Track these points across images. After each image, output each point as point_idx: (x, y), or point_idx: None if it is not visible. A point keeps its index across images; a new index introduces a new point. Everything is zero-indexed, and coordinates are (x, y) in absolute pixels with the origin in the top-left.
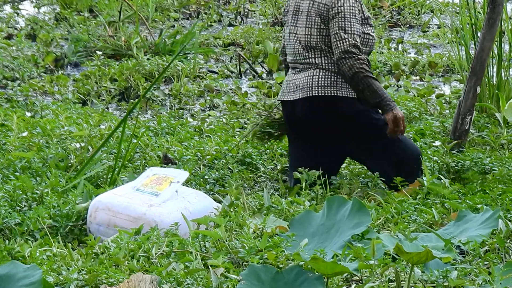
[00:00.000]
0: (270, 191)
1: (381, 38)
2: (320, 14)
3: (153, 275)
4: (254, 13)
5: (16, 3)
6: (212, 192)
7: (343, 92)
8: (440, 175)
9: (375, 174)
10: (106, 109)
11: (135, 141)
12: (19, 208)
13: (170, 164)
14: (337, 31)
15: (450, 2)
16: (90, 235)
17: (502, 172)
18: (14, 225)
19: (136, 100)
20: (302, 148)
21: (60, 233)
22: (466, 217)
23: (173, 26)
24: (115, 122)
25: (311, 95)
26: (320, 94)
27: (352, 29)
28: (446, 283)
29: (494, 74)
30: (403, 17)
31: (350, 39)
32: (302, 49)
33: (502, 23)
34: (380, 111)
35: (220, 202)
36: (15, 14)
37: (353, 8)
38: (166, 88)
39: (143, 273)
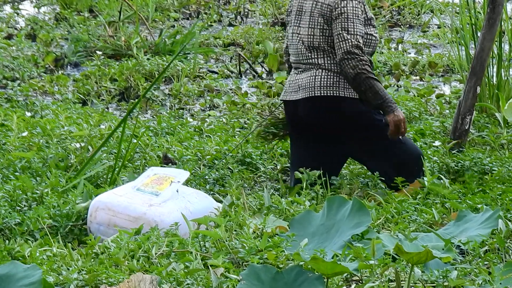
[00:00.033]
0: (271, 191)
1: (381, 38)
2: (323, 15)
3: (153, 275)
4: (254, 13)
5: (16, 3)
6: (212, 192)
7: (346, 93)
8: (440, 175)
9: (375, 174)
10: (106, 109)
11: (135, 141)
12: (19, 208)
13: (170, 164)
14: (340, 32)
15: (450, 2)
16: (90, 235)
17: (501, 172)
18: (14, 225)
19: (136, 100)
20: (304, 148)
21: (60, 233)
22: (466, 217)
23: (173, 26)
24: (115, 122)
25: (313, 95)
26: (322, 94)
27: (355, 30)
28: (446, 283)
29: (494, 74)
30: (403, 17)
31: (352, 40)
32: (305, 49)
33: (502, 23)
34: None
35: (220, 202)
36: (15, 14)
37: (356, 9)
38: (166, 88)
39: (143, 273)
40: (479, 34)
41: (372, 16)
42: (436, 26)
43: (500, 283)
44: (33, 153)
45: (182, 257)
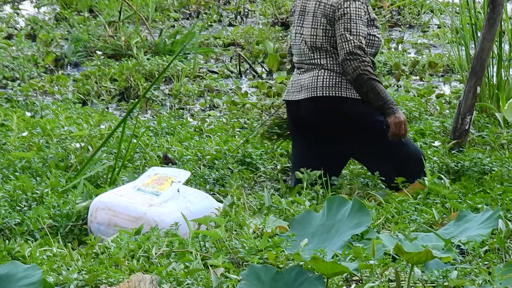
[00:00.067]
0: (271, 191)
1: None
2: (326, 15)
3: (153, 275)
4: (254, 13)
5: (16, 3)
6: (212, 192)
7: (348, 93)
8: (441, 175)
9: (375, 174)
10: (106, 109)
11: (135, 141)
12: (19, 208)
13: (170, 164)
14: (343, 32)
15: (450, 2)
16: (90, 235)
17: (499, 173)
18: (14, 225)
19: (136, 100)
20: (306, 148)
21: (60, 233)
22: (466, 217)
23: (173, 26)
24: (115, 122)
25: (315, 95)
26: (324, 94)
27: (358, 30)
28: (446, 283)
29: (494, 74)
30: (403, 17)
31: (355, 41)
32: (307, 50)
33: (502, 23)
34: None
35: (221, 202)
36: (15, 14)
37: (359, 9)
38: (166, 88)
39: (143, 273)
40: (479, 34)
41: (375, 17)
42: (436, 26)
43: (500, 283)
44: (33, 153)
45: (182, 257)
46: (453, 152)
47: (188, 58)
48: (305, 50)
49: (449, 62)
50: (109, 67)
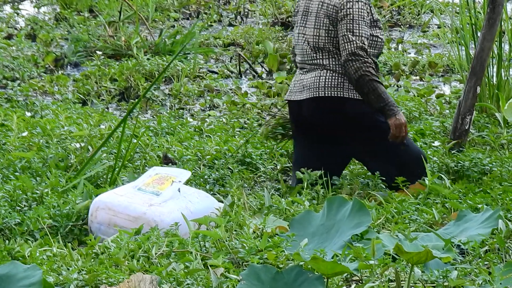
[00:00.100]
0: (271, 191)
1: None
2: (329, 16)
3: (153, 275)
4: (254, 13)
5: (16, 3)
6: (212, 192)
7: (350, 94)
8: (441, 175)
9: (375, 174)
10: (106, 109)
11: (135, 141)
12: (19, 208)
13: (170, 164)
14: (345, 33)
15: (450, 2)
16: (90, 235)
17: (497, 173)
18: (14, 225)
19: (136, 100)
20: (308, 148)
21: (60, 233)
22: (466, 216)
23: (173, 26)
24: (115, 122)
25: (317, 95)
26: (326, 95)
27: (360, 31)
28: (446, 283)
29: (494, 74)
30: (403, 17)
31: (357, 42)
32: (310, 50)
33: (502, 23)
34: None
35: (222, 202)
36: (15, 14)
37: (362, 10)
38: (166, 88)
39: (143, 273)
40: (479, 34)
41: (378, 18)
42: (436, 26)
43: (500, 283)
44: (33, 153)
45: (182, 257)
46: (453, 152)
47: (188, 58)
48: (307, 50)
49: (449, 62)
50: (109, 67)
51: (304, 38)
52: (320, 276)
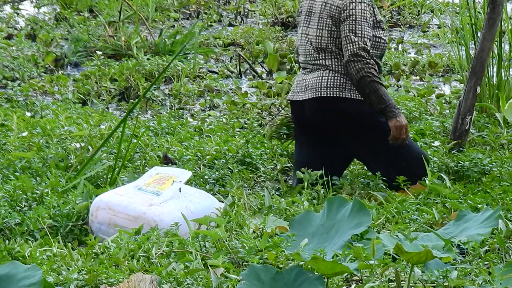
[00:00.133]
0: (272, 191)
1: None
2: (332, 16)
3: (153, 275)
4: (254, 13)
5: (16, 3)
6: (212, 192)
7: (352, 94)
8: (441, 174)
9: (376, 174)
10: (106, 109)
11: (135, 141)
12: (19, 208)
13: (170, 164)
14: (348, 34)
15: (450, 2)
16: (90, 235)
17: (494, 174)
18: (14, 225)
19: (136, 100)
20: (311, 148)
21: (60, 233)
22: (466, 216)
23: (173, 26)
24: (115, 122)
25: (320, 95)
26: (328, 95)
27: (363, 32)
28: (446, 283)
29: (494, 74)
30: (403, 17)
31: (360, 42)
32: (313, 50)
33: (502, 23)
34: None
35: (222, 202)
36: (15, 14)
37: (365, 11)
38: (166, 88)
39: (143, 273)
40: (479, 34)
41: (382, 19)
42: (436, 26)
43: (500, 283)
44: (33, 153)
45: (182, 257)
46: (453, 152)
47: (188, 58)
48: (310, 50)
49: (449, 62)
50: (109, 67)
51: (307, 38)
52: (320, 276)
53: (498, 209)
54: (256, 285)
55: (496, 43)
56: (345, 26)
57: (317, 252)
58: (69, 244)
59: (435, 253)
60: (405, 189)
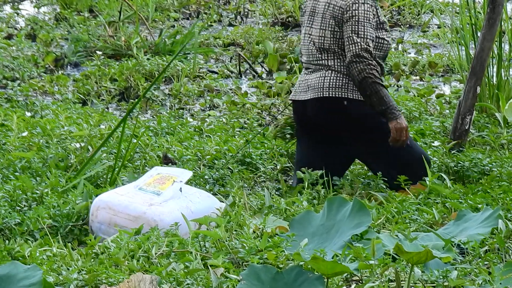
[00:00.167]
0: (272, 191)
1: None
2: (335, 17)
3: (153, 275)
4: (254, 13)
5: (16, 3)
6: (212, 192)
7: (354, 95)
8: (442, 174)
9: (377, 174)
10: (106, 109)
11: (135, 141)
12: (19, 208)
13: (170, 164)
14: (350, 35)
15: (450, 2)
16: (90, 235)
17: (496, 174)
18: (14, 225)
19: (136, 100)
20: (312, 148)
21: (60, 233)
22: (466, 216)
23: (173, 26)
24: (115, 122)
25: (322, 95)
26: (330, 95)
27: (365, 33)
28: (446, 283)
29: (494, 74)
30: (403, 17)
31: (362, 43)
32: (315, 50)
33: (502, 23)
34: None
35: (223, 202)
36: (15, 14)
37: (368, 12)
38: (166, 88)
39: (143, 273)
40: (479, 34)
41: (385, 20)
42: (436, 26)
43: (500, 283)
44: (33, 153)
45: (182, 257)
46: (453, 152)
47: (188, 58)
48: (313, 50)
49: (449, 62)
50: (109, 67)
51: (310, 39)
52: (320, 276)
53: (498, 209)
54: (256, 285)
55: (496, 43)
56: (347, 26)
57: (317, 252)
58: (69, 244)
59: (435, 253)
60: (406, 189)
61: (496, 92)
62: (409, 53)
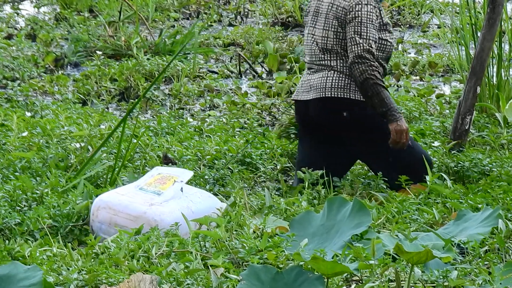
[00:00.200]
0: (272, 191)
1: None
2: (338, 17)
3: (153, 275)
4: (254, 13)
5: (16, 3)
6: (212, 192)
7: (356, 95)
8: (442, 174)
9: (378, 174)
10: (106, 109)
11: (135, 141)
12: (19, 208)
13: (170, 164)
14: (353, 35)
15: (450, 2)
16: (90, 235)
17: (496, 174)
18: (14, 225)
19: (136, 100)
20: (314, 148)
21: (60, 233)
22: (466, 216)
23: (173, 26)
24: (115, 122)
25: (324, 96)
26: (333, 95)
27: (368, 34)
28: (446, 283)
29: (494, 74)
30: (403, 17)
31: (364, 44)
32: (318, 51)
33: (502, 23)
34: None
35: (224, 202)
36: (15, 14)
37: (371, 13)
38: (166, 88)
39: (143, 273)
40: (479, 34)
41: (389, 22)
42: (436, 26)
43: (500, 283)
44: (33, 153)
45: (182, 257)
46: (453, 152)
47: (188, 58)
48: (316, 51)
49: (449, 62)
50: (109, 67)
51: (313, 39)
52: (320, 276)
53: (497, 209)
54: (256, 285)
55: (496, 43)
56: (350, 27)
57: (317, 252)
58: (69, 244)
59: (435, 253)
60: (407, 189)
61: (496, 92)
62: (409, 53)
